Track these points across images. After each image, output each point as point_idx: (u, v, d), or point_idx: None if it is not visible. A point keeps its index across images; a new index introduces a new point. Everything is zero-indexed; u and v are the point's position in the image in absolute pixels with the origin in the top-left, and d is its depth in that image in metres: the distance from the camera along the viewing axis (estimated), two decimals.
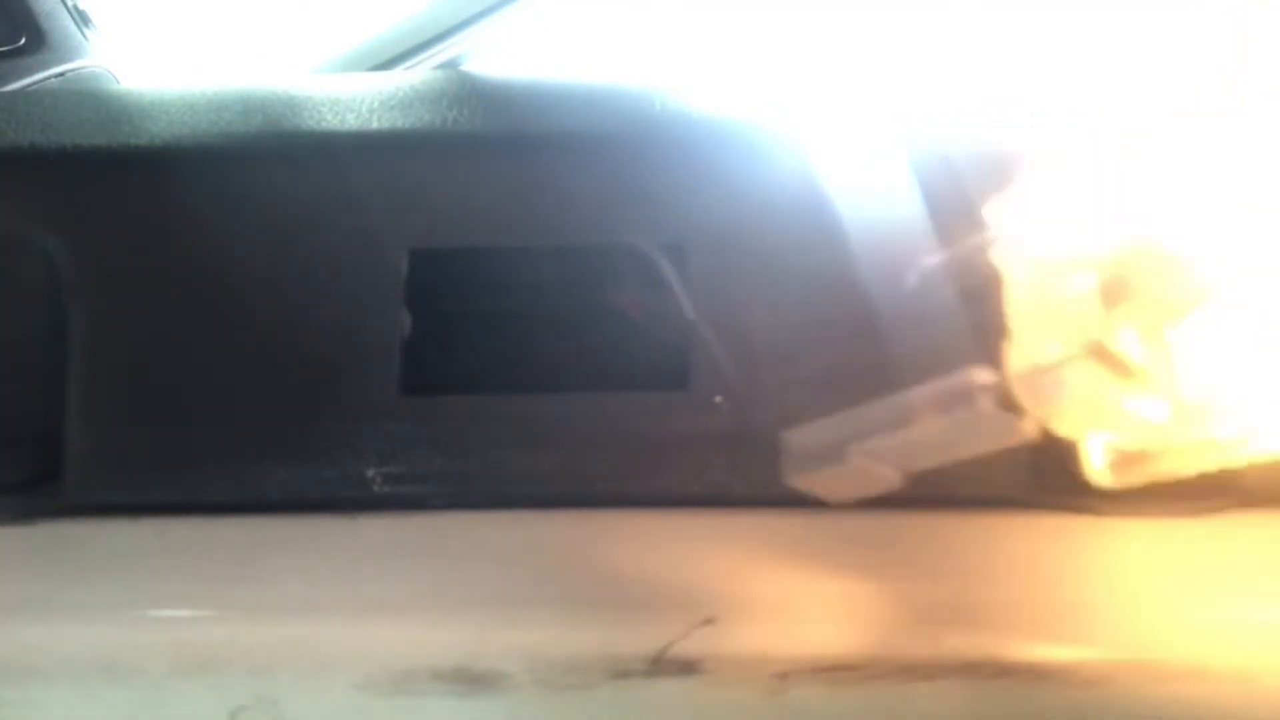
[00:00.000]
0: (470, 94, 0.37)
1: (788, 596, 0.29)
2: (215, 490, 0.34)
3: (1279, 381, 0.18)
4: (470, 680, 0.27)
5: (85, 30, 0.68)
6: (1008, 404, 0.21)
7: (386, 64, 0.82)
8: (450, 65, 0.84)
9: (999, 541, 0.32)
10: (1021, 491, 0.33)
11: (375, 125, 0.36)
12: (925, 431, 0.22)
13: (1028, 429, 0.21)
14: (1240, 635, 0.28)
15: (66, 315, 0.35)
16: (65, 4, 0.67)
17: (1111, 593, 0.29)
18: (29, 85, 0.63)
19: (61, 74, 0.65)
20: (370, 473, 0.34)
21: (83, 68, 0.67)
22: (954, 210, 0.35)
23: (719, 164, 0.36)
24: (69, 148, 0.36)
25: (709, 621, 0.27)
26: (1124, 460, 0.20)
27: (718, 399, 0.34)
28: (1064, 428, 0.20)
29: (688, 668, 0.27)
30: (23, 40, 0.64)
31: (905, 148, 0.36)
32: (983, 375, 0.21)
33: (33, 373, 0.37)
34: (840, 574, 0.30)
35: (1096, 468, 0.20)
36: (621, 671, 0.27)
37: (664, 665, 0.27)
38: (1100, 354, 0.19)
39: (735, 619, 0.28)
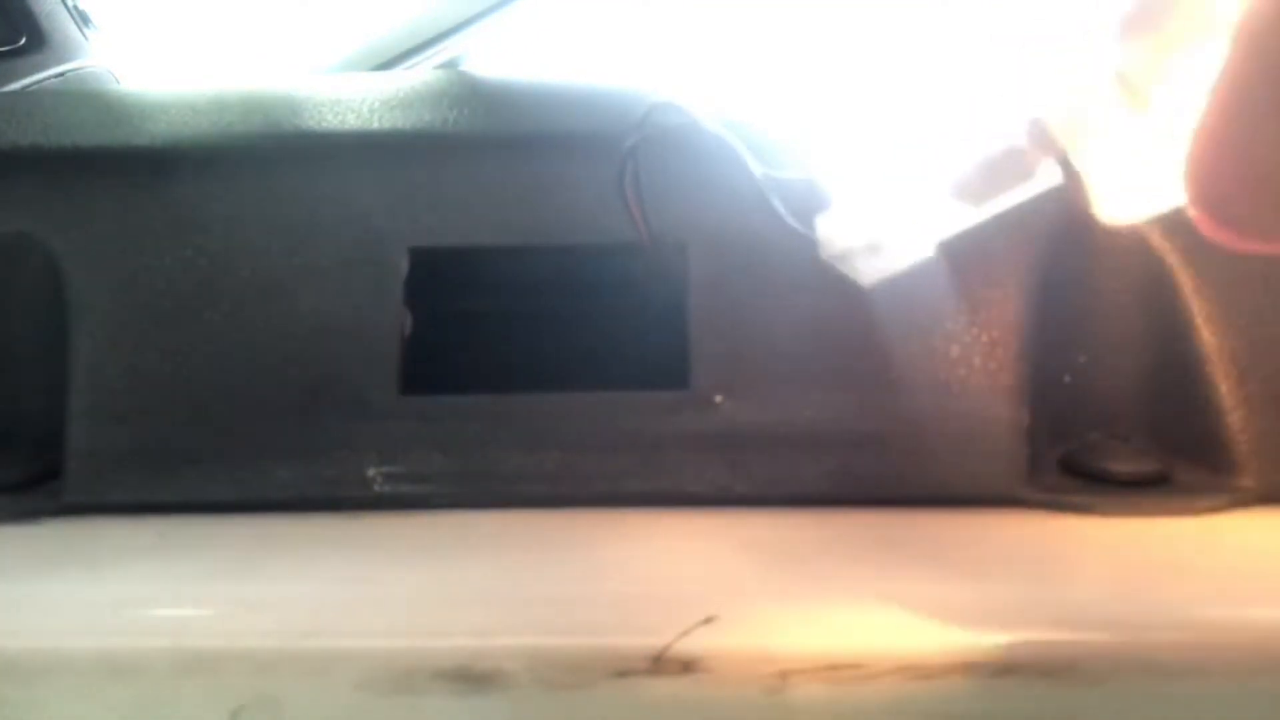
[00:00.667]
0: (470, 94, 0.37)
1: (788, 596, 0.29)
2: (215, 490, 0.34)
3: None
4: (471, 679, 0.27)
5: (85, 30, 0.68)
6: (1041, 143, 0.22)
7: (386, 64, 0.82)
8: (450, 65, 0.84)
9: (998, 541, 0.32)
10: (1021, 491, 0.33)
11: (375, 125, 0.36)
12: (964, 178, 0.24)
13: (1056, 163, 0.22)
14: (1240, 635, 0.28)
15: (67, 315, 0.35)
16: (65, 4, 0.67)
17: (1111, 592, 0.29)
18: (29, 85, 0.63)
19: (61, 74, 0.65)
20: (371, 472, 0.34)
21: (83, 68, 0.67)
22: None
23: (719, 164, 0.36)
24: (69, 148, 0.36)
25: (709, 621, 0.27)
26: (1133, 195, 0.21)
27: (718, 399, 0.34)
28: (1086, 159, 0.21)
29: (688, 667, 0.27)
30: (23, 40, 0.64)
31: (905, 145, 0.36)
32: (1017, 117, 0.23)
33: (34, 372, 0.37)
34: (840, 573, 0.30)
35: (1109, 206, 0.21)
36: (621, 671, 0.27)
37: (664, 665, 0.27)
38: (1121, 81, 0.20)
39: (735, 619, 0.28)
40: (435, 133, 0.36)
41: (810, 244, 0.29)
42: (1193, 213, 0.18)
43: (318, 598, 0.29)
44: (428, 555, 0.31)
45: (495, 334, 0.40)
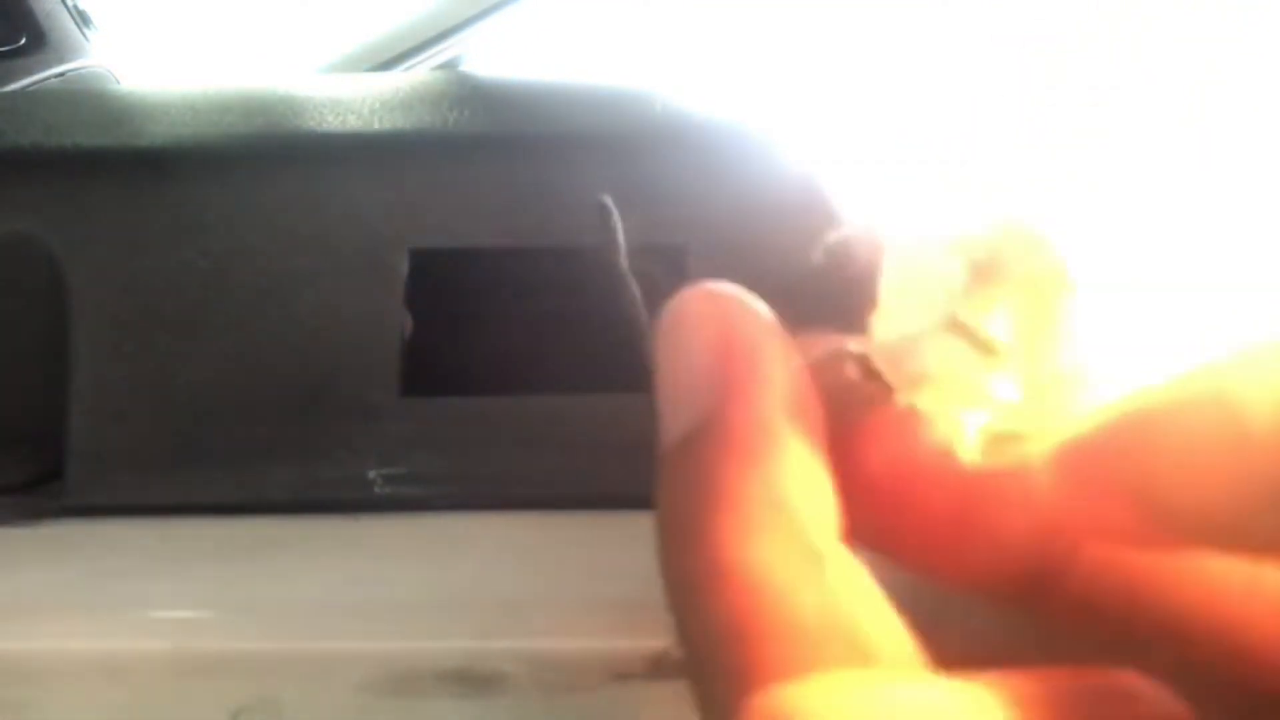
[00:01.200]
0: (470, 94, 0.37)
1: None
2: (215, 490, 0.34)
3: (1146, 359, 0.18)
4: (471, 681, 0.27)
5: (85, 30, 0.68)
6: (872, 371, 0.20)
7: (386, 64, 0.82)
8: (450, 65, 0.84)
9: None
10: None
11: (375, 125, 0.36)
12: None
13: (894, 399, 0.20)
14: None
15: (67, 315, 0.35)
16: (65, 4, 0.67)
17: None
18: (29, 85, 0.63)
19: (61, 74, 0.65)
20: (371, 474, 0.34)
21: (83, 68, 0.67)
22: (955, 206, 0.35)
23: (719, 164, 0.36)
24: (69, 148, 0.36)
25: None
26: (988, 440, 0.20)
27: None
28: (923, 401, 0.19)
29: None
30: (23, 40, 0.64)
31: (905, 146, 0.36)
32: (855, 343, 0.20)
33: (34, 373, 0.37)
34: None
35: (963, 446, 0.20)
36: (622, 672, 0.27)
37: (664, 666, 0.27)
38: (959, 328, 0.19)
39: None
40: (435, 133, 0.36)
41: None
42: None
43: (318, 599, 0.29)
44: (428, 556, 0.31)
45: (496, 335, 0.40)
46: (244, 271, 0.35)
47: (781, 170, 0.35)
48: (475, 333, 0.40)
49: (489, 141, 0.37)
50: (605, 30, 0.92)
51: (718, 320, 0.20)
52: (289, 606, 0.29)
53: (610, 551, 0.31)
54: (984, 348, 0.18)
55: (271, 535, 0.33)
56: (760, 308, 0.20)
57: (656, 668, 0.27)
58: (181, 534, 0.33)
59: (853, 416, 0.20)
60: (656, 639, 0.27)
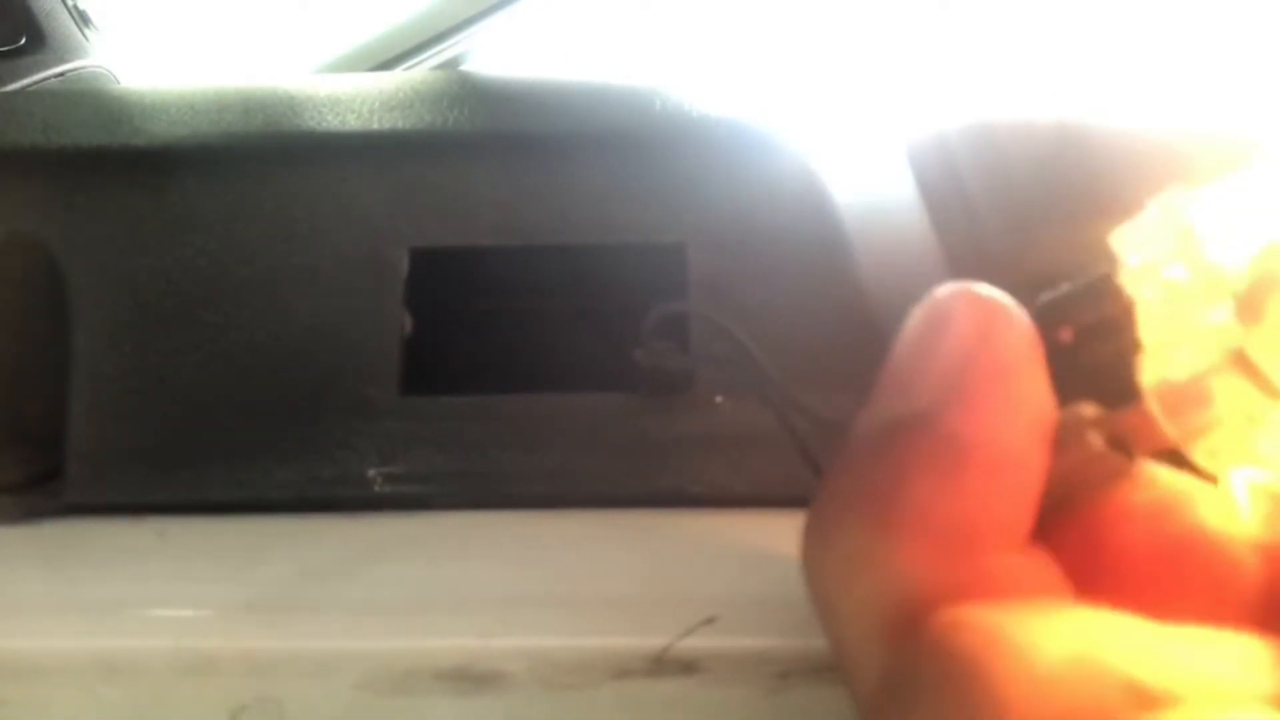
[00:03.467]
0: (470, 94, 0.37)
1: (788, 596, 0.29)
2: (215, 490, 0.34)
3: None
4: (471, 680, 0.27)
5: (85, 30, 0.68)
6: (1118, 440, 0.18)
7: (386, 64, 0.82)
8: (450, 65, 0.85)
9: None
10: None
11: (375, 125, 0.36)
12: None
13: (1141, 464, 0.18)
14: None
15: (67, 315, 0.35)
16: (65, 4, 0.67)
17: None
18: (29, 85, 0.63)
19: (61, 74, 0.65)
20: (371, 473, 0.34)
21: (83, 68, 0.67)
22: (955, 208, 0.35)
23: (719, 164, 0.36)
24: (69, 148, 0.36)
25: (709, 621, 0.27)
26: (1274, 503, 0.17)
27: (718, 399, 0.34)
28: (1203, 453, 0.17)
29: (688, 668, 0.27)
30: (23, 40, 0.64)
31: (906, 146, 0.36)
32: (1089, 410, 0.18)
33: (34, 372, 0.37)
34: None
35: (1246, 512, 0.18)
36: (622, 671, 0.27)
37: (664, 665, 0.27)
38: (1244, 364, 0.16)
39: (735, 619, 0.28)
40: (435, 133, 0.36)
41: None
42: None
43: (318, 598, 0.29)
44: (428, 555, 0.31)
45: (496, 334, 0.40)
46: (243, 271, 0.35)
47: (781, 169, 0.35)
48: (475, 331, 0.40)
49: (489, 141, 0.37)
50: (605, 30, 0.92)
51: (978, 325, 0.18)
52: (289, 606, 0.29)
53: (610, 551, 0.31)
54: (1269, 389, 0.16)
55: (271, 535, 0.33)
56: (1024, 321, 0.18)
57: (657, 666, 0.27)
58: (181, 534, 0.33)
59: (1092, 491, 0.19)
60: (656, 637, 0.27)
